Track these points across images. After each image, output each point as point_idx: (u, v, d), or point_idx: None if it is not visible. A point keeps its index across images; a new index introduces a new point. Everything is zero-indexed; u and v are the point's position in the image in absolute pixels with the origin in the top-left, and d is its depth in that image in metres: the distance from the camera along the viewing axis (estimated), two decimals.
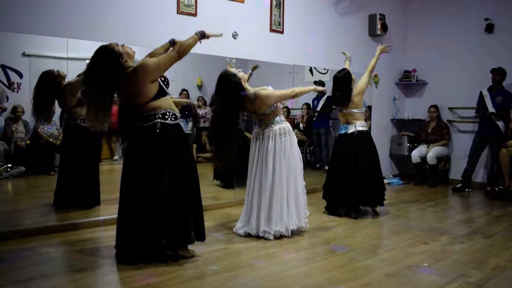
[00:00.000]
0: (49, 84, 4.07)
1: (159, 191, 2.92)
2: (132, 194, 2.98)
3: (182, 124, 3.21)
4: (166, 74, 3.24)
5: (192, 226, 3.06)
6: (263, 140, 3.68)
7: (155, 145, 2.94)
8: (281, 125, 3.70)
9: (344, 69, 4.50)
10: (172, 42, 3.19)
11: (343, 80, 4.39)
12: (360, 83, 4.49)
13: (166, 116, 2.99)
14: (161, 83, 3.06)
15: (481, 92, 6.06)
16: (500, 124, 5.85)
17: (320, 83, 6.49)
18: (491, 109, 5.87)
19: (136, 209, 2.95)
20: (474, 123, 6.40)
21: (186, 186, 3.03)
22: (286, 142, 3.66)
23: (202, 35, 3.15)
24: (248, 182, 3.79)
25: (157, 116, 2.96)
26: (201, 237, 3.16)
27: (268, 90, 3.66)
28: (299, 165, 3.76)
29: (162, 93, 3.03)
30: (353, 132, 4.44)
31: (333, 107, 4.63)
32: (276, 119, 3.70)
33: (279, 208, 3.61)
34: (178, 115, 3.09)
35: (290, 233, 3.67)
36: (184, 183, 3.02)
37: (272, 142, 3.64)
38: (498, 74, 5.91)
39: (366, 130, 4.53)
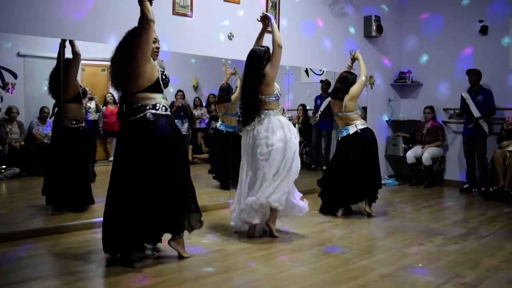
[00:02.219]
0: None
1: (150, 182, 2.91)
2: (122, 189, 2.94)
3: (177, 125, 3.20)
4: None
5: (187, 216, 3.09)
6: (253, 131, 3.65)
7: (147, 136, 2.92)
8: (274, 117, 3.65)
9: (354, 74, 4.63)
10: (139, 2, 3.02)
11: (349, 79, 4.52)
12: (352, 88, 4.50)
13: (157, 107, 2.99)
14: (161, 79, 3.05)
15: (462, 96, 6.17)
16: (484, 124, 5.94)
17: (326, 82, 6.49)
18: (475, 111, 5.97)
19: (126, 202, 2.91)
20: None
21: (178, 177, 3.01)
22: (275, 134, 3.59)
23: None
24: (240, 176, 3.75)
25: (147, 107, 2.96)
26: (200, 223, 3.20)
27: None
28: (280, 152, 3.61)
29: (157, 87, 3.04)
30: (356, 131, 4.48)
31: (331, 98, 4.73)
32: (270, 111, 3.67)
33: (259, 182, 3.57)
34: (169, 109, 3.08)
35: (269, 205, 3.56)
36: (176, 174, 3.00)
37: (261, 132, 3.61)
38: (474, 74, 6.07)
39: (367, 127, 4.59)
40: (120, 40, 3.06)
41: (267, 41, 3.85)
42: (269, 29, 3.80)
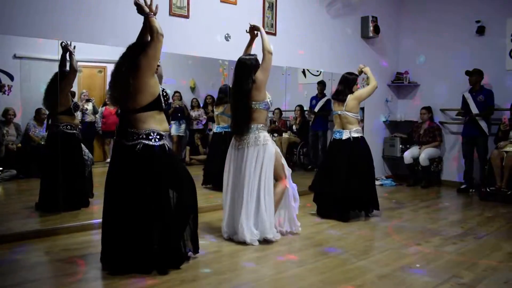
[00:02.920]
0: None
1: (147, 213, 2.86)
2: (116, 213, 2.89)
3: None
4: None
5: (185, 243, 3.07)
6: (240, 147, 3.62)
7: (136, 166, 2.87)
8: (258, 133, 3.60)
9: (354, 74, 4.64)
10: (146, 18, 3.00)
11: (349, 80, 4.54)
12: (360, 90, 4.55)
13: (150, 137, 2.91)
14: (162, 96, 2.98)
15: (463, 96, 6.19)
16: (483, 124, 5.96)
17: (323, 83, 6.51)
18: (474, 110, 5.99)
19: (122, 226, 2.86)
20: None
21: (177, 206, 2.96)
22: (260, 150, 3.57)
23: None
24: (223, 188, 3.72)
25: (140, 136, 2.89)
26: (195, 249, 3.18)
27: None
28: (270, 174, 3.61)
29: (158, 104, 2.97)
30: (349, 138, 4.45)
31: (332, 100, 4.72)
32: (254, 126, 3.61)
33: (245, 215, 3.53)
34: (165, 134, 3.01)
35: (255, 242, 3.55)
36: (175, 204, 2.94)
37: (247, 149, 3.58)
38: (476, 74, 6.08)
39: (361, 136, 4.52)
40: (122, 54, 2.97)
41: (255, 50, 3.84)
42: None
